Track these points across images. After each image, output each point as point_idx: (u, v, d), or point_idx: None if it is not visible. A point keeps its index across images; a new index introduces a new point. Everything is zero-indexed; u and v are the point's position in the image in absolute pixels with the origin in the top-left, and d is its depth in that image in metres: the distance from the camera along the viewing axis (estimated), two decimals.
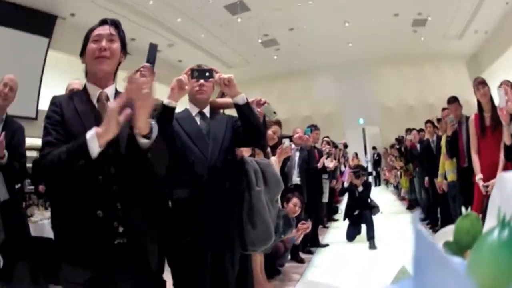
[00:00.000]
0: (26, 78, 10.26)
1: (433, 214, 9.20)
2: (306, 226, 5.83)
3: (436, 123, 8.98)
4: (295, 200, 5.72)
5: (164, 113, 3.02)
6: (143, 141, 2.18)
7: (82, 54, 2.48)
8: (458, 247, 0.71)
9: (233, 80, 3.09)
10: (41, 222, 5.50)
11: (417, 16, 16.71)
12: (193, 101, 3.37)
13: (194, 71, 3.15)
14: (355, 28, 17.24)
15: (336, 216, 11.68)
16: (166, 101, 3.09)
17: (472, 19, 16.75)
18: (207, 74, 3.16)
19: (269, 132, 5.13)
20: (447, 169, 7.23)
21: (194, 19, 15.13)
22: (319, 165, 8.10)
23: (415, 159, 10.25)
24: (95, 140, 2.06)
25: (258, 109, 3.68)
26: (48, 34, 11.97)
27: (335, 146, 11.61)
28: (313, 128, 8.57)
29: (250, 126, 3.16)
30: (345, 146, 13.89)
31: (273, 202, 3.84)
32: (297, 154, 7.37)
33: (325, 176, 9.35)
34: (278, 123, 5.35)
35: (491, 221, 0.68)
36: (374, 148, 22.23)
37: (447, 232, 0.75)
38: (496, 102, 4.64)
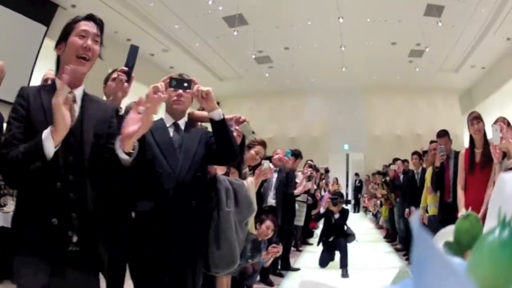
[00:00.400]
0: (19, 63, 10.32)
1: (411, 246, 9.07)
2: (276, 250, 5.65)
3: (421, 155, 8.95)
4: (268, 223, 5.50)
5: None
6: (124, 158, 2.18)
7: (59, 42, 2.38)
8: (458, 247, 0.72)
9: (211, 94, 2.98)
10: (12, 213, 5.29)
11: (415, 46, 16.76)
12: (169, 111, 3.24)
13: (172, 80, 2.99)
14: (351, 53, 17.24)
15: (311, 240, 11.53)
16: (140, 108, 2.98)
17: (470, 54, 16.85)
18: (185, 84, 3.01)
19: (252, 152, 4.96)
20: (429, 202, 7.06)
21: (191, 27, 15.09)
22: (297, 191, 8.01)
23: (397, 189, 10.15)
24: (50, 139, 2.01)
25: (237, 127, 3.59)
26: (47, 23, 11.83)
27: (316, 170, 11.49)
28: (296, 153, 8.51)
29: (224, 144, 3.05)
30: (327, 171, 13.71)
31: (242, 225, 3.69)
32: (275, 175, 7.10)
33: (303, 199, 9.26)
34: (262, 143, 5.13)
35: (491, 221, 0.68)
36: (356, 174, 22.13)
37: (448, 233, 0.76)
38: (490, 138, 4.56)
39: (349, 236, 8.32)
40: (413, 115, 22.09)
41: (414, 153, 9.24)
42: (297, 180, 8.54)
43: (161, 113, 3.22)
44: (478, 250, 0.57)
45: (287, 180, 7.39)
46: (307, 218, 10.17)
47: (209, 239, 3.35)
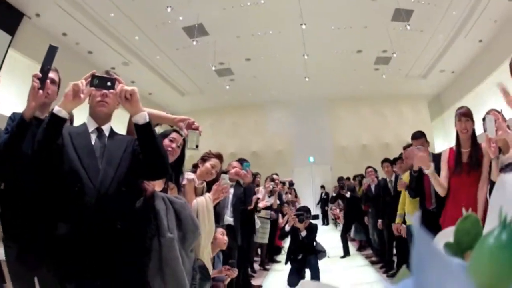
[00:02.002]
0: None
1: (388, 257, 8.54)
2: (230, 273, 5.03)
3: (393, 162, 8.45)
4: (213, 160, 4.57)
5: (51, 124, 2.48)
6: None
7: None
8: (458, 248, 0.70)
9: (137, 94, 2.63)
10: None
11: (381, 53, 16.58)
12: (92, 114, 2.80)
13: (94, 78, 2.61)
14: (315, 62, 16.98)
15: (279, 257, 10.90)
16: (56, 108, 2.48)
17: (440, 58, 16.77)
18: (108, 83, 2.65)
19: (207, 165, 4.35)
20: (407, 210, 6.47)
21: (151, 38, 14.71)
22: (250, 206, 7.19)
23: (369, 200, 9.64)
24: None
25: (185, 131, 3.10)
26: (12, 32, 11.52)
27: (282, 183, 10.98)
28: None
29: (149, 153, 2.63)
30: (291, 184, 13.11)
31: (187, 252, 3.15)
32: (231, 191, 6.41)
33: (266, 215, 8.71)
34: (218, 156, 4.50)
35: (492, 222, 0.64)
36: (322, 187, 21.70)
37: (448, 233, 0.74)
38: (481, 133, 4.06)
39: (319, 253, 7.70)
40: (380, 124, 22.00)
41: (385, 160, 8.69)
42: (259, 195, 7.95)
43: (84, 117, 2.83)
44: (478, 251, 0.56)
45: (245, 196, 6.63)
46: (273, 234, 9.62)
47: (150, 273, 2.84)
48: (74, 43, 13.71)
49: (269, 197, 8.93)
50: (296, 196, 13.67)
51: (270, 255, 10.60)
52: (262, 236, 8.86)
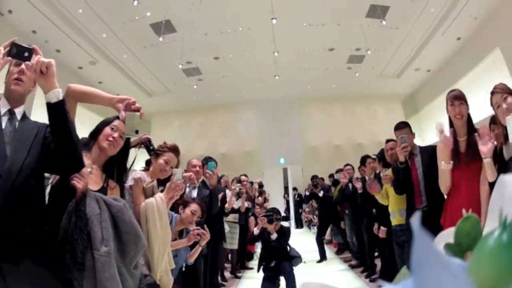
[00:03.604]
0: None
1: (370, 260, 7.98)
2: (197, 232, 4.40)
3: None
4: (194, 206, 4.39)
5: None
6: None
7: None
8: (459, 249, 0.70)
9: (53, 67, 2.31)
10: None
11: (354, 51, 16.26)
12: (7, 94, 2.44)
13: (13, 46, 2.30)
14: (285, 60, 16.58)
15: (251, 263, 10.30)
16: None
17: (415, 56, 16.53)
18: (26, 54, 2.33)
19: (160, 161, 3.73)
20: (392, 209, 5.67)
21: (119, 35, 14.33)
22: (227, 206, 6.82)
23: (346, 199, 9.05)
24: None
25: (122, 113, 2.68)
26: None
27: (251, 183, 10.39)
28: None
29: (59, 139, 2.32)
30: (260, 185, 12.45)
31: (130, 269, 2.59)
32: (194, 193, 5.76)
33: (233, 219, 8.14)
34: (173, 149, 3.89)
35: (492, 223, 0.66)
36: (295, 189, 21.18)
37: (448, 234, 0.74)
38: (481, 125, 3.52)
39: (294, 258, 7.09)
40: (353, 123, 21.71)
41: (366, 157, 7.96)
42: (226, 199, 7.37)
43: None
44: (478, 252, 0.56)
45: (211, 200, 5.89)
46: (244, 239, 9.04)
47: None
48: (44, 41, 13.31)
49: (237, 199, 8.32)
50: (265, 200, 12.97)
51: (241, 261, 10.00)
52: (231, 241, 8.34)
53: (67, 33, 13.46)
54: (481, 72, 14.14)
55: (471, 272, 0.53)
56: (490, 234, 0.56)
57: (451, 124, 3.94)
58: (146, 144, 3.70)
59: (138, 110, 2.71)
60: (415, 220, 0.49)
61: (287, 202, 21.03)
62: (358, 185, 7.30)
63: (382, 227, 6.46)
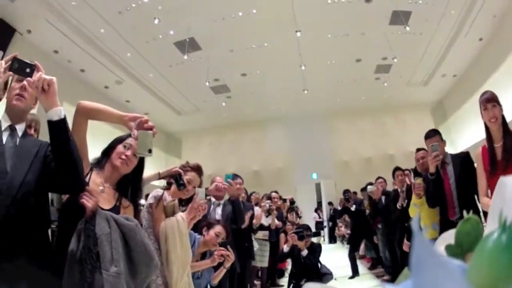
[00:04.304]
0: None
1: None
2: (223, 253, 4.22)
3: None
4: (218, 228, 4.24)
5: None
6: None
7: None
8: (459, 250, 0.70)
9: (55, 85, 2.26)
10: None
11: (381, 61, 16.06)
12: (8, 109, 2.42)
13: (15, 61, 2.26)
14: (312, 74, 16.47)
15: (282, 281, 10.06)
16: None
17: (441, 61, 16.25)
18: (27, 70, 2.27)
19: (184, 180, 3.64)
20: (425, 223, 5.23)
21: (143, 55, 14.37)
22: (243, 224, 6.25)
23: (379, 214, 8.76)
24: None
25: (135, 132, 2.56)
26: (3, 47, 11.27)
27: (283, 200, 10.19)
28: (235, 176, 6.37)
29: (59, 157, 2.26)
30: (292, 202, 12.16)
31: None
32: (219, 211, 5.51)
33: (264, 236, 7.96)
34: (196, 168, 3.80)
35: (492, 224, 0.67)
36: (330, 203, 20.89)
37: (449, 236, 0.74)
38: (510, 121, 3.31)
39: (324, 276, 6.88)
40: (382, 135, 21.42)
41: (396, 169, 7.69)
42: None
43: None
44: (478, 253, 0.56)
45: (234, 212, 5.57)
46: (274, 257, 8.84)
47: None
48: (66, 60, 13.58)
49: (267, 217, 8.14)
50: (299, 217, 12.64)
51: (272, 279, 9.79)
52: (261, 259, 8.09)
53: (90, 53, 13.54)
54: (507, 72, 13.75)
55: (471, 273, 0.54)
56: (490, 236, 0.56)
57: (488, 131, 3.68)
58: (176, 177, 3.56)
59: (151, 128, 2.60)
60: (414, 223, 0.50)
61: (319, 216, 20.68)
62: (402, 200, 6.92)
63: (406, 241, 6.23)
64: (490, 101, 3.60)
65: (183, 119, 20.54)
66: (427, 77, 17.96)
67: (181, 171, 3.59)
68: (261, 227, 7.85)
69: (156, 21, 12.51)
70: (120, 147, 2.75)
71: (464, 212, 0.73)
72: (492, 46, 14.60)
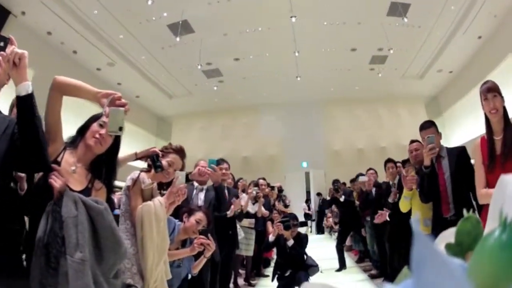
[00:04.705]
0: None
1: (390, 270, 7.29)
2: (201, 242, 3.93)
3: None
4: (199, 215, 4.02)
5: None
6: None
7: None
8: (459, 249, 0.70)
9: (26, 59, 2.19)
10: None
11: (377, 51, 15.92)
12: None
13: None
14: (306, 61, 16.30)
15: (267, 271, 9.82)
16: None
17: (438, 57, 16.14)
18: (1, 44, 2.21)
19: (163, 162, 3.40)
20: (415, 218, 5.14)
21: (136, 36, 14.24)
22: (230, 212, 6.09)
23: (369, 206, 8.54)
24: None
25: (106, 109, 2.52)
26: None
27: (271, 187, 9.97)
28: (221, 161, 6.14)
29: (23, 133, 2.16)
30: (280, 190, 11.85)
31: (108, 278, 2.32)
32: (201, 196, 5.23)
33: (249, 225, 7.77)
34: (178, 150, 3.60)
35: (492, 223, 0.66)
36: (319, 194, 20.74)
37: (449, 235, 0.72)
38: None
39: (310, 267, 6.69)
40: (376, 126, 21.33)
41: (388, 161, 7.43)
42: (242, 203, 6.94)
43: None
44: (478, 252, 0.55)
45: (217, 199, 5.30)
46: (260, 245, 8.65)
47: None
48: (59, 42, 13.52)
49: (254, 204, 7.95)
50: (286, 206, 12.41)
51: (257, 268, 9.63)
52: (247, 248, 7.90)
53: (83, 35, 13.43)
54: (504, 71, 13.63)
55: (471, 272, 0.53)
56: (490, 234, 0.55)
57: (488, 122, 3.45)
58: (153, 158, 3.33)
59: (123, 105, 2.53)
60: (414, 221, 0.49)
61: (308, 207, 20.53)
62: (394, 195, 6.72)
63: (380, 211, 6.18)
64: (491, 90, 3.38)
65: (174, 102, 20.40)
66: (422, 71, 17.88)
67: (158, 151, 3.37)
68: (247, 215, 7.64)
69: (150, 2, 12.36)
70: (95, 126, 2.59)
71: (464, 211, 0.71)
72: (491, 45, 14.52)
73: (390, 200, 6.54)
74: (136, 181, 3.20)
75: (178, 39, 14.21)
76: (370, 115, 21.48)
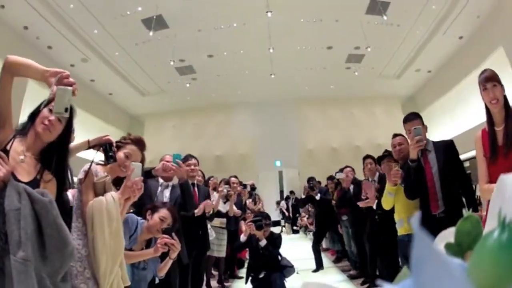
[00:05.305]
0: None
1: (371, 271, 7.17)
2: (165, 241, 3.54)
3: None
4: (163, 212, 3.70)
5: None
6: None
7: None
8: (459, 249, 0.69)
9: None
10: None
11: (353, 50, 15.81)
12: None
13: None
14: (281, 58, 16.11)
15: (241, 272, 9.47)
16: None
17: (416, 56, 16.10)
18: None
19: (120, 154, 3.09)
20: (399, 217, 4.77)
21: (110, 32, 14.03)
22: (198, 211, 5.54)
23: (346, 204, 8.27)
24: None
25: (53, 88, 2.32)
26: None
27: (243, 186, 9.64)
28: (189, 157, 5.81)
29: None
30: (253, 188, 11.42)
31: (56, 281, 2.09)
32: (167, 193, 4.90)
33: (221, 224, 7.48)
34: (137, 141, 3.29)
35: (492, 222, 0.65)
36: (291, 192, 20.52)
37: (449, 234, 0.72)
38: None
39: (285, 268, 6.39)
40: (351, 126, 21.31)
41: (367, 157, 7.10)
42: (213, 202, 6.57)
43: None
44: (478, 252, 0.55)
45: (183, 197, 4.89)
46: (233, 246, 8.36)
47: None
48: (35, 37, 13.31)
49: (225, 203, 7.65)
50: (255, 203, 12.04)
51: (231, 269, 9.33)
52: (218, 248, 7.59)
53: (58, 29, 13.22)
54: None
55: (471, 272, 0.53)
56: (490, 234, 0.55)
57: (488, 113, 3.24)
58: (106, 147, 2.99)
59: (70, 84, 2.34)
60: (415, 220, 0.47)
61: (287, 206, 20.28)
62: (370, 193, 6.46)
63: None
64: (490, 80, 3.16)
65: (147, 100, 20.18)
66: (400, 70, 17.87)
67: (112, 140, 3.04)
68: (218, 214, 7.30)
69: None
70: (45, 111, 2.39)
71: (464, 211, 0.65)
72: (472, 45, 14.52)
73: (363, 196, 6.32)
74: (87, 173, 2.85)
75: (151, 33, 13.95)
76: (345, 114, 21.45)
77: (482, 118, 3.28)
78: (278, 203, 20.54)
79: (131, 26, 13.70)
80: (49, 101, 2.41)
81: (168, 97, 20.01)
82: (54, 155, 2.44)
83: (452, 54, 15.65)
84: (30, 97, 10.13)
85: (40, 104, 2.45)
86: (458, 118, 14.94)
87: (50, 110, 2.37)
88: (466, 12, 12.70)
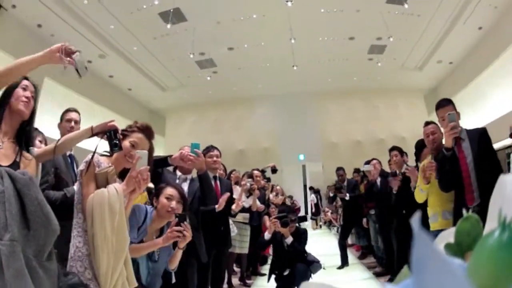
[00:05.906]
0: None
1: (397, 268, 6.57)
2: (176, 233, 3.17)
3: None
4: (169, 190, 3.36)
5: None
6: None
7: None
8: (459, 249, 0.70)
9: None
10: None
11: (375, 41, 15.48)
12: None
13: None
14: (303, 50, 15.85)
15: (264, 268, 9.15)
16: None
17: (437, 47, 15.76)
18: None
19: (126, 143, 2.81)
20: (433, 211, 4.34)
21: (127, 26, 13.89)
22: (218, 206, 5.10)
23: (374, 197, 7.78)
24: None
25: (69, 58, 2.48)
26: None
27: (267, 179, 9.16)
28: (211, 148, 5.47)
29: None
30: (273, 170, 10.34)
31: (41, 261, 2.03)
32: (185, 187, 4.40)
33: (244, 219, 7.20)
34: (144, 129, 2.94)
35: (492, 223, 0.66)
36: (316, 191, 20.13)
37: (449, 235, 0.73)
38: None
39: (312, 264, 6.04)
40: (373, 118, 21.01)
41: (393, 148, 6.84)
42: (234, 196, 6.23)
43: None
44: (478, 252, 0.56)
45: (202, 189, 4.40)
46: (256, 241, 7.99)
47: None
48: (49, 35, 13.09)
49: (247, 197, 7.29)
50: (277, 194, 11.41)
51: (253, 266, 9.00)
52: (241, 245, 7.26)
53: (73, 26, 13.10)
54: (505, 63, 13.43)
55: (471, 272, 0.54)
56: (490, 234, 0.56)
57: None
58: (110, 135, 2.71)
59: (76, 51, 2.54)
60: (415, 219, 0.47)
61: (316, 199, 19.93)
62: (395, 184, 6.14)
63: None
64: None
65: (167, 95, 20.07)
66: (422, 62, 17.55)
67: (117, 126, 2.74)
68: (241, 209, 6.96)
69: None
70: (18, 91, 2.50)
71: (464, 211, 0.70)
72: (491, 36, 14.22)
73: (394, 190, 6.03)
74: (90, 164, 2.58)
75: (169, 26, 13.76)
76: (367, 107, 21.14)
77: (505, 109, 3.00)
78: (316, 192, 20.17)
79: (148, 20, 13.54)
80: (17, 83, 2.53)
81: (188, 91, 19.89)
82: (24, 134, 2.52)
83: (472, 45, 15.35)
84: None
85: (6, 90, 2.49)
86: (480, 110, 14.57)
87: (23, 89, 2.51)
88: (484, 2, 12.45)
